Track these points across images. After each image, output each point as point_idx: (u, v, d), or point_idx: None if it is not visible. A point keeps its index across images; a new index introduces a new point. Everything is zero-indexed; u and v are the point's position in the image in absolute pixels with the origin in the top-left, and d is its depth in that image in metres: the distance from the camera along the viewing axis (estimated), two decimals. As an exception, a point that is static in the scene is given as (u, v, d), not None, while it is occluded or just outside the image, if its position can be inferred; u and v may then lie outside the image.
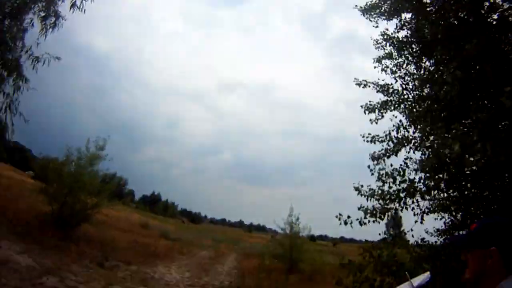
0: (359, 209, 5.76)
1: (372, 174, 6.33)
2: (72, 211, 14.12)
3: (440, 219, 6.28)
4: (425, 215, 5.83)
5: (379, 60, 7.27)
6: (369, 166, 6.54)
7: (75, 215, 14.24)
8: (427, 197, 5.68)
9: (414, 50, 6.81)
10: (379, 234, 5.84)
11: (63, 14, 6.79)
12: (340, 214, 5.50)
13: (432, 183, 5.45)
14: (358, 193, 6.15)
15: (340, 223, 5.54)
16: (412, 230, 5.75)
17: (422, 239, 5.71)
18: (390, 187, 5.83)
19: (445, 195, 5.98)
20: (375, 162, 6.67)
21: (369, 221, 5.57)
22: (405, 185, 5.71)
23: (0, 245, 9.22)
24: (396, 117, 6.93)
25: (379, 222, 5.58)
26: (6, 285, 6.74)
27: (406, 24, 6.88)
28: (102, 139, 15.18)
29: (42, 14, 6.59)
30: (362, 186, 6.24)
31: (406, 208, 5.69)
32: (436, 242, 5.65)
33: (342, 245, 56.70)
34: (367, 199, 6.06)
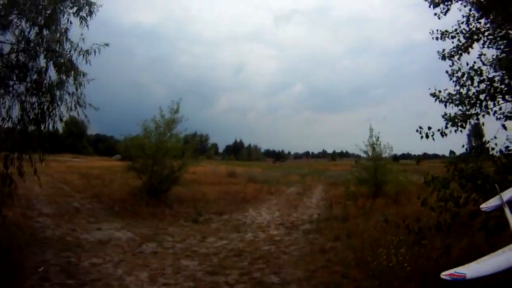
0: (442, 117, 5.35)
1: (451, 79, 5.90)
2: (160, 178, 15.15)
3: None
4: (508, 120, 5.32)
5: None
6: (447, 72, 6.06)
7: (164, 181, 15.28)
8: (509, 97, 5.22)
9: None
10: (463, 146, 5.32)
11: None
12: (420, 127, 5.14)
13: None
14: (435, 99, 5.83)
15: (422, 137, 5.22)
16: (495, 137, 5.20)
17: (507, 148, 5.14)
18: (468, 90, 5.48)
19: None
20: (446, 60, 6.15)
21: (450, 131, 5.24)
22: (484, 86, 5.32)
23: (101, 227, 10.22)
24: (465, 6, 6.22)
25: (461, 131, 5.21)
26: (112, 260, 7.45)
27: None
28: (174, 103, 15.69)
29: (75, 9, 6.63)
30: (440, 91, 5.90)
31: (488, 113, 5.30)
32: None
33: (425, 162, 54.35)
34: (445, 105, 5.74)
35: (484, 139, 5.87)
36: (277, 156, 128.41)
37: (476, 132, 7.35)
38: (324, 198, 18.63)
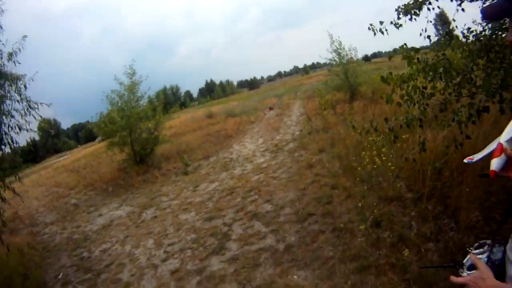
0: (395, 9, 5.02)
1: None
2: (141, 144, 15.33)
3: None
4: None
5: None
6: None
7: (145, 145, 15.50)
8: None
9: None
10: (420, 34, 4.83)
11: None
12: (371, 24, 4.90)
13: None
14: None
15: (375, 33, 4.99)
16: (454, 20, 4.87)
17: (468, 29, 4.95)
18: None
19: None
20: None
21: (405, 21, 5.02)
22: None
23: (101, 213, 10.56)
24: None
25: (415, 19, 4.92)
26: (118, 240, 7.84)
27: None
28: (128, 67, 15.41)
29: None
30: None
31: None
32: (484, 30, 4.82)
33: (397, 57, 53.38)
34: None
35: (451, 27, 5.55)
36: (250, 84, 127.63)
37: (443, 21, 7.13)
38: (303, 113, 18.80)
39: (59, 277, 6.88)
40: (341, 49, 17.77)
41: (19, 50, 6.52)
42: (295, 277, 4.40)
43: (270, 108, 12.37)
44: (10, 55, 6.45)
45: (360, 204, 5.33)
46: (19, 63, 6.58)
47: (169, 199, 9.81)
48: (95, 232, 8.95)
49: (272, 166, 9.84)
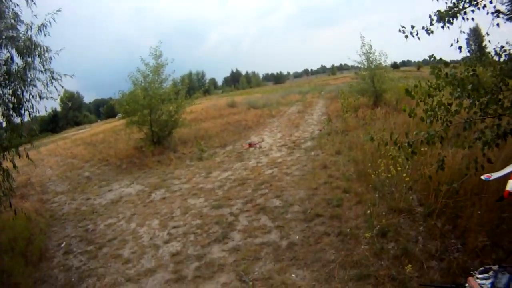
0: (429, 16, 4.83)
1: None
2: (160, 125, 15.44)
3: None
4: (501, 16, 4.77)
5: None
6: None
7: (164, 127, 15.59)
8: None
9: None
10: (451, 45, 4.57)
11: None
12: (402, 26, 4.73)
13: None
14: None
15: (407, 36, 4.82)
16: (488, 34, 4.48)
17: (501, 47, 4.72)
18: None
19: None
20: None
21: (437, 28, 4.82)
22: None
23: (112, 188, 10.71)
24: None
25: (448, 27, 4.72)
26: (124, 216, 7.94)
27: None
28: (155, 48, 15.39)
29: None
30: None
31: (478, 8, 4.52)
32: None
33: (426, 68, 52.10)
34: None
35: (484, 43, 5.32)
36: (276, 78, 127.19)
37: (476, 36, 6.87)
38: (325, 113, 18.59)
39: (62, 245, 7.03)
40: (370, 53, 17.45)
41: (50, 23, 6.60)
42: (293, 275, 4.38)
43: (250, 145, 11.25)
44: (41, 27, 6.54)
45: (369, 212, 5.25)
46: (49, 35, 6.67)
47: (181, 182, 9.87)
48: (103, 206, 9.09)
49: (287, 162, 9.79)
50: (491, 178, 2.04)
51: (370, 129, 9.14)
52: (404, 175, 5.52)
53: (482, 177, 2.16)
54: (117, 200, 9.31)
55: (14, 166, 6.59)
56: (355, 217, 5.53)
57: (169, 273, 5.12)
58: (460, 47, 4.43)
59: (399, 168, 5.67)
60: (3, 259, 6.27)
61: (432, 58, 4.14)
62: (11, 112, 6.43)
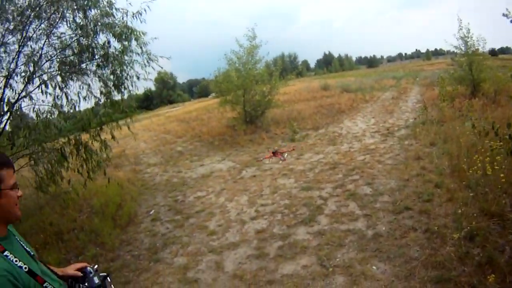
0: None
1: None
2: (253, 105, 15.62)
3: None
4: None
5: None
6: None
7: (257, 107, 15.73)
8: None
9: None
10: None
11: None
12: (508, 10, 4.19)
13: None
14: None
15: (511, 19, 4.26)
16: None
17: None
18: None
19: None
20: None
21: None
22: None
23: (204, 163, 11.00)
24: None
25: None
26: (214, 191, 8.10)
27: None
28: (250, 30, 15.40)
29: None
30: None
31: None
32: None
33: None
34: None
35: None
36: (369, 62, 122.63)
37: None
38: (420, 101, 17.30)
39: (151, 213, 7.38)
40: (468, 38, 15.70)
41: (145, 10, 6.87)
42: (374, 267, 4.13)
43: (274, 154, 9.61)
44: (136, 14, 6.84)
45: (460, 211, 4.77)
46: (144, 22, 6.98)
47: (271, 162, 9.83)
48: (193, 179, 9.36)
49: (379, 149, 9.29)
50: None
51: (472, 115, 8.29)
52: (502, 175, 4.85)
53: None
54: (208, 175, 9.52)
55: (113, 137, 7.06)
56: (444, 215, 5.02)
57: (251, 249, 5.11)
58: None
59: (496, 167, 5.04)
60: (93, 220, 6.81)
61: None
62: (111, 89, 6.99)
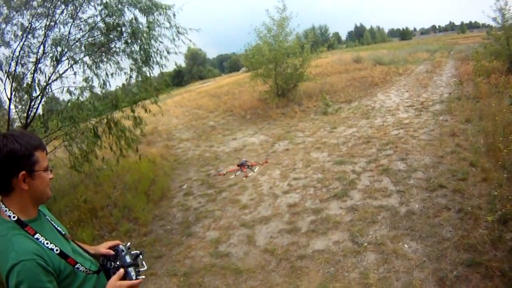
0: None
1: None
2: (285, 78, 15.44)
3: None
4: None
5: None
6: None
7: (289, 80, 15.55)
8: None
9: None
10: None
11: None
12: None
13: None
14: None
15: None
16: None
17: None
18: None
19: None
20: None
21: None
22: None
23: (236, 137, 11.03)
24: None
25: None
26: (246, 163, 8.06)
27: None
28: (280, 0, 14.91)
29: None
30: None
31: None
32: None
33: None
34: None
35: None
36: (402, 34, 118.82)
37: None
38: (454, 75, 16.64)
39: (184, 187, 7.46)
40: (506, 10, 14.72)
41: None
42: (405, 246, 4.06)
43: (240, 166, 7.95)
44: None
45: (496, 193, 4.61)
46: None
47: (304, 135, 9.76)
48: (226, 153, 9.41)
49: (414, 124, 9.01)
50: None
51: (509, 92, 7.92)
52: None
53: None
54: (240, 149, 9.55)
55: (146, 111, 7.13)
56: (478, 195, 4.85)
57: (283, 223, 5.10)
58: None
59: None
60: (126, 196, 6.95)
61: None
62: (141, 65, 6.94)
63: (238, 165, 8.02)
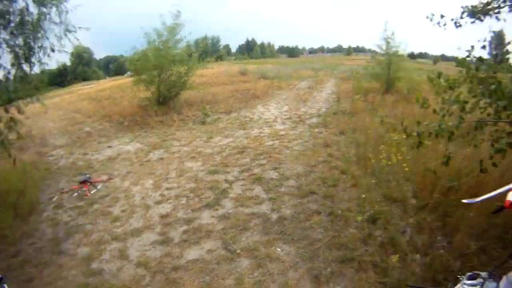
0: (462, 7, 4.68)
1: None
2: (168, 86, 15.39)
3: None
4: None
5: None
6: None
7: (172, 88, 15.54)
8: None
9: None
10: (482, 48, 4.39)
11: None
12: (432, 14, 4.59)
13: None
14: None
15: (433, 24, 4.67)
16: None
17: None
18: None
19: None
20: None
21: (466, 23, 4.67)
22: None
23: (111, 145, 10.70)
24: None
25: (481, 20, 4.56)
26: (120, 174, 7.94)
27: None
28: (174, 6, 14.92)
29: None
30: None
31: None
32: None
33: (443, 63, 50.59)
34: None
35: (505, 49, 5.17)
36: (290, 51, 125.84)
37: (498, 41, 6.70)
38: (335, 92, 18.32)
39: (54, 199, 6.95)
40: (391, 39, 16.86)
41: None
42: (278, 249, 4.38)
43: (83, 183, 7.34)
44: None
45: (363, 196, 5.25)
46: None
47: (180, 144, 9.88)
48: (99, 162, 9.08)
49: (289, 136, 9.73)
50: (475, 201, 2.02)
51: (382, 111, 9.05)
52: (404, 165, 5.47)
53: (465, 201, 2.11)
54: (115, 157, 9.31)
55: (19, 112, 6.45)
56: (348, 199, 5.50)
57: (156, 235, 5.13)
58: (483, 46, 4.27)
59: (399, 158, 5.64)
60: None
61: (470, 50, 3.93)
62: (21, 61, 6.31)
63: (80, 182, 7.31)
